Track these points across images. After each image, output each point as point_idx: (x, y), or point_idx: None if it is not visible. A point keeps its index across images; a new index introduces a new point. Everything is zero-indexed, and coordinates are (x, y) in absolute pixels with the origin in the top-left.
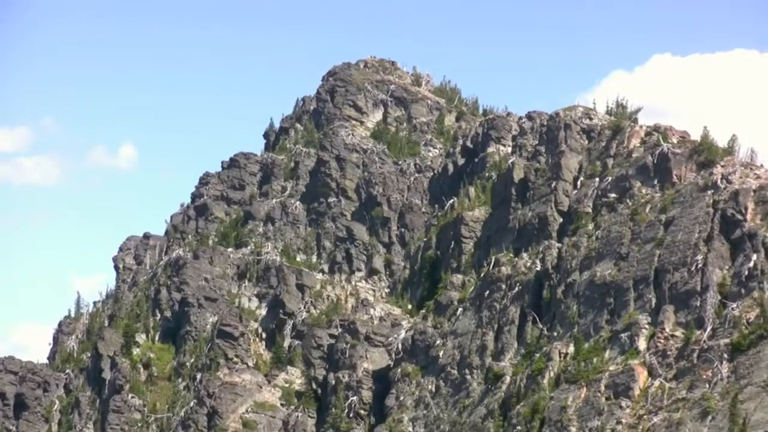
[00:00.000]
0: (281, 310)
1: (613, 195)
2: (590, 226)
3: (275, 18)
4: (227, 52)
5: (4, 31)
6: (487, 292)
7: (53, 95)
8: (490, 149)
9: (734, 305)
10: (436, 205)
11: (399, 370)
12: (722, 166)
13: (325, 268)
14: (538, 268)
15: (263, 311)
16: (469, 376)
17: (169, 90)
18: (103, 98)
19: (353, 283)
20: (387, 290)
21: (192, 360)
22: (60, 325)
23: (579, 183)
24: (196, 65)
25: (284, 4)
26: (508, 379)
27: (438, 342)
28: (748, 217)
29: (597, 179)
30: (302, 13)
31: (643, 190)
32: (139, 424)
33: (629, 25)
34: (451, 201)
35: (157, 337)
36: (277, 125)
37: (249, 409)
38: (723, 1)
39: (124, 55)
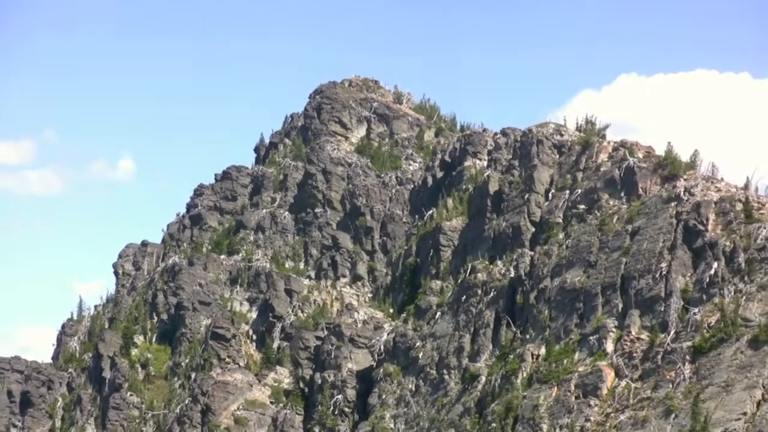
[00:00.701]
0: (271, 314)
1: (582, 206)
2: (561, 236)
3: (262, 38)
4: (221, 72)
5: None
6: (464, 297)
7: (54, 107)
8: (467, 163)
9: (696, 310)
10: (417, 216)
11: (381, 370)
12: (685, 180)
13: (312, 274)
14: (512, 275)
15: (254, 314)
16: (447, 376)
17: (166, 105)
18: (103, 111)
19: (338, 288)
20: (370, 295)
21: (187, 360)
22: (63, 327)
23: (550, 195)
24: (193, 82)
25: (270, 26)
26: (483, 379)
27: (418, 344)
28: (710, 227)
29: (567, 192)
30: (289, 31)
31: (611, 202)
32: (137, 421)
33: (597, 47)
34: (431, 212)
35: (154, 339)
36: (267, 140)
37: (240, 407)
38: (685, 24)
39: (122, 68)
